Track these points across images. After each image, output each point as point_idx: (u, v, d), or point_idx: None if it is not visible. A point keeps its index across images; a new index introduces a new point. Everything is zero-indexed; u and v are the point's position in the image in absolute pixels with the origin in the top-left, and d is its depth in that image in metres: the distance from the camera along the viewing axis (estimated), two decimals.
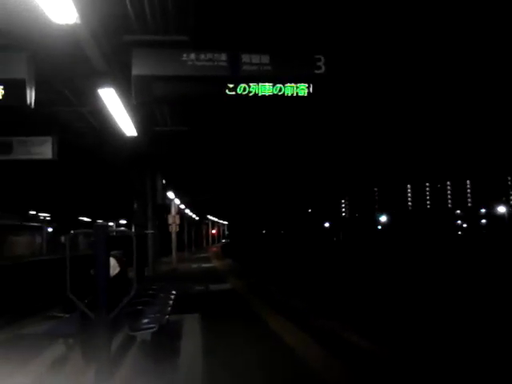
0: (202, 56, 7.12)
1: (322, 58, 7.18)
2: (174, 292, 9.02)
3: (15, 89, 6.71)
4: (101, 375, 5.52)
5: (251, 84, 7.14)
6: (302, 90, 7.22)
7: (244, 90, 7.14)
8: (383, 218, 40.36)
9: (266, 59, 7.19)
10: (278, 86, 7.17)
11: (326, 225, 47.71)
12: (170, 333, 7.34)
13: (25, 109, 6.92)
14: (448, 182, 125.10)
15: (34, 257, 20.41)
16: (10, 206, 35.53)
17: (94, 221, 51.21)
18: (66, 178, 25.29)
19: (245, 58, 7.17)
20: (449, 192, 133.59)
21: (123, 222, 53.47)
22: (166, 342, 6.57)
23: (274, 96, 7.20)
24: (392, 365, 5.93)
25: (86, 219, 51.32)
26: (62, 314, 6.96)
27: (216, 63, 7.15)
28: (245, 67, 7.18)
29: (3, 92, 6.68)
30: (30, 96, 6.83)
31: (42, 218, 44.05)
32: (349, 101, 9.67)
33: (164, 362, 6.14)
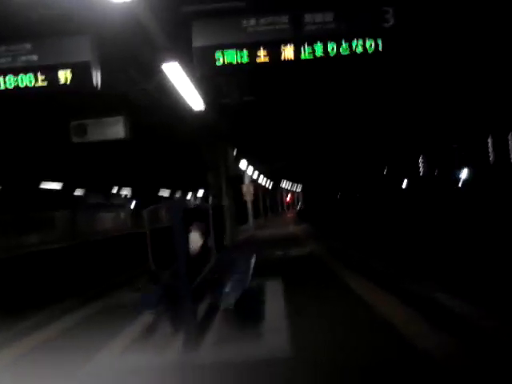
0: (262, 20, 6.95)
1: (391, 10, 6.83)
2: (253, 258, 9.12)
3: (81, 72, 6.90)
4: (188, 343, 5.74)
5: (316, 44, 6.92)
6: (371, 46, 6.91)
7: (309, 52, 6.94)
8: (464, 175, 38.62)
9: (329, 17, 6.91)
10: (345, 44, 6.90)
11: (403, 185, 46.58)
12: (252, 299, 7.45)
13: (92, 91, 7.12)
14: None
15: (120, 232, 21.43)
16: (94, 186, 37.32)
17: (172, 194, 52.80)
18: (144, 156, 26.03)
19: (307, 17, 6.91)
20: None
21: (200, 193, 54.74)
22: (248, 308, 6.67)
23: (341, 56, 6.95)
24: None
25: (166, 194, 52.94)
26: (147, 286, 7.21)
27: (277, 27, 6.96)
28: (308, 27, 6.95)
29: (71, 76, 6.90)
30: (97, 78, 7.01)
31: (124, 195, 45.92)
32: (421, 54, 9.19)
33: (248, 328, 6.25)
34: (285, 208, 68.36)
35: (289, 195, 71.86)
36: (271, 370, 4.82)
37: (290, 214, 54.79)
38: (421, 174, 48.23)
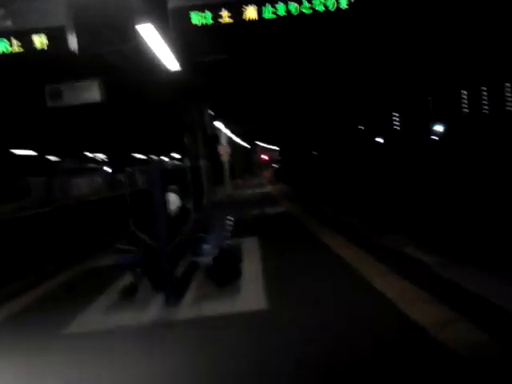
0: None
1: None
2: (231, 217, 9.33)
3: (57, 36, 6.88)
4: (168, 300, 5.98)
5: (278, 4, 6.98)
6: (333, 5, 7.00)
7: (272, 12, 7.00)
8: (439, 128, 38.81)
9: None
10: (306, 3, 6.97)
11: (379, 140, 46.74)
12: (230, 256, 7.69)
13: (69, 55, 7.10)
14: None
15: (96, 196, 21.38)
16: (69, 151, 36.89)
17: (148, 157, 52.45)
18: (118, 118, 25.78)
19: None
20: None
21: (177, 156, 54.46)
22: (226, 265, 6.91)
23: (303, 14, 7.02)
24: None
25: (141, 156, 52.56)
26: (127, 247, 7.37)
27: None
28: None
29: (46, 41, 6.87)
30: (72, 42, 7.00)
31: (99, 159, 45.50)
32: (389, 10, 9.29)
33: (226, 284, 6.51)
34: (262, 168, 68.58)
35: (265, 155, 71.88)
36: (246, 322, 5.12)
37: (267, 174, 55.05)
38: (395, 129, 48.48)
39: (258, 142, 62.59)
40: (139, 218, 6.53)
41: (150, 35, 8.51)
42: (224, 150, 28.92)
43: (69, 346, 5.06)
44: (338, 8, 6.93)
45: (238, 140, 43.07)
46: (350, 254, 7.62)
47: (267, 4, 6.95)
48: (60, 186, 23.74)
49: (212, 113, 22.13)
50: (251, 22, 7.07)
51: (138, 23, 8.04)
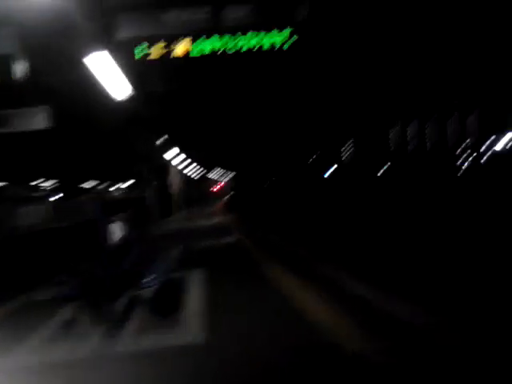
0: (184, 13, 7.11)
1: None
2: (177, 249, 9.30)
3: (4, 64, 6.81)
4: (108, 333, 5.87)
5: (235, 36, 7.13)
6: (285, 37, 7.23)
7: (229, 45, 7.15)
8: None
9: (248, 9, 7.17)
10: (262, 34, 7.16)
11: (327, 174, 47.67)
12: (174, 288, 7.64)
13: (16, 82, 7.05)
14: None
15: (41, 226, 20.83)
16: (15, 178, 35.91)
17: (99, 185, 51.66)
18: (67, 146, 25.41)
19: (227, 10, 7.15)
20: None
21: (128, 184, 53.88)
22: (170, 298, 6.85)
23: (258, 48, 7.20)
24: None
25: (92, 184, 51.73)
26: (69, 279, 7.24)
27: (198, 17, 7.15)
28: (227, 19, 7.19)
29: None
30: (19, 70, 6.95)
31: (46, 187, 44.45)
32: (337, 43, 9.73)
33: (168, 317, 6.44)
34: (215, 197, 68.68)
35: (217, 185, 72.14)
36: (184, 356, 5.07)
37: (220, 203, 55.05)
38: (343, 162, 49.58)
39: (215, 169, 63.00)
40: (83, 249, 6.45)
41: (98, 64, 8.58)
42: (173, 180, 28.84)
43: None
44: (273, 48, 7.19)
45: (194, 166, 43.04)
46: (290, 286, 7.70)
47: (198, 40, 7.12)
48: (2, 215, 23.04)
49: (167, 138, 22.12)
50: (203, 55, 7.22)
51: (87, 53, 8.10)
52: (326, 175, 45.27)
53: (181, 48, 7.13)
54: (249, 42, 7.09)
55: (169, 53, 7.10)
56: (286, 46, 7.12)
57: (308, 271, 8.60)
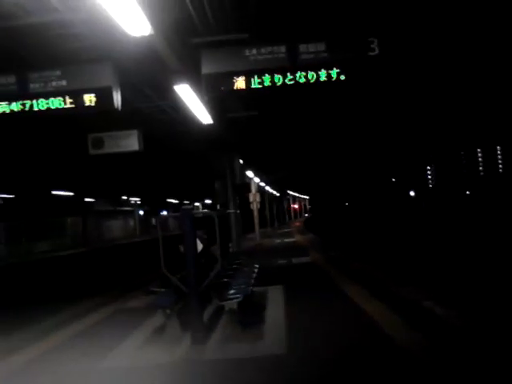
0: (263, 50, 7.73)
1: (375, 41, 7.57)
2: (257, 265, 9.74)
3: (104, 95, 7.70)
4: (196, 340, 6.42)
5: (309, 72, 7.67)
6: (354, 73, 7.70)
7: (303, 78, 7.68)
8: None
9: (321, 47, 7.69)
10: (335, 71, 7.65)
11: (412, 193, 46.13)
12: (254, 302, 8.12)
13: (113, 111, 7.90)
14: None
15: (131, 238, 22.10)
16: (107, 194, 38.11)
17: (181, 202, 53.56)
18: (153, 165, 26.83)
19: (302, 47, 7.71)
20: None
21: (208, 201, 55.41)
22: (250, 310, 7.32)
23: (331, 81, 7.70)
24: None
25: (174, 201, 53.68)
26: (158, 289, 7.88)
27: (276, 55, 7.74)
28: (303, 56, 7.73)
29: (95, 99, 7.70)
30: (117, 100, 7.81)
31: (133, 202, 46.73)
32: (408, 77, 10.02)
33: (249, 328, 6.93)
34: (292, 216, 68.97)
35: (295, 204, 72.40)
36: (267, 364, 5.50)
37: (297, 223, 55.18)
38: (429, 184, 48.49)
39: (288, 191, 63.21)
40: (170, 262, 7.03)
41: (184, 94, 9.34)
42: (254, 198, 29.50)
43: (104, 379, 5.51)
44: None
45: (268, 188, 43.73)
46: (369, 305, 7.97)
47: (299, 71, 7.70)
48: (94, 227, 24.52)
49: (242, 162, 22.88)
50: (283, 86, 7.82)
51: (175, 83, 8.87)
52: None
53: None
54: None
55: (248, 85, 7.72)
56: (343, 76, 7.58)
57: None
